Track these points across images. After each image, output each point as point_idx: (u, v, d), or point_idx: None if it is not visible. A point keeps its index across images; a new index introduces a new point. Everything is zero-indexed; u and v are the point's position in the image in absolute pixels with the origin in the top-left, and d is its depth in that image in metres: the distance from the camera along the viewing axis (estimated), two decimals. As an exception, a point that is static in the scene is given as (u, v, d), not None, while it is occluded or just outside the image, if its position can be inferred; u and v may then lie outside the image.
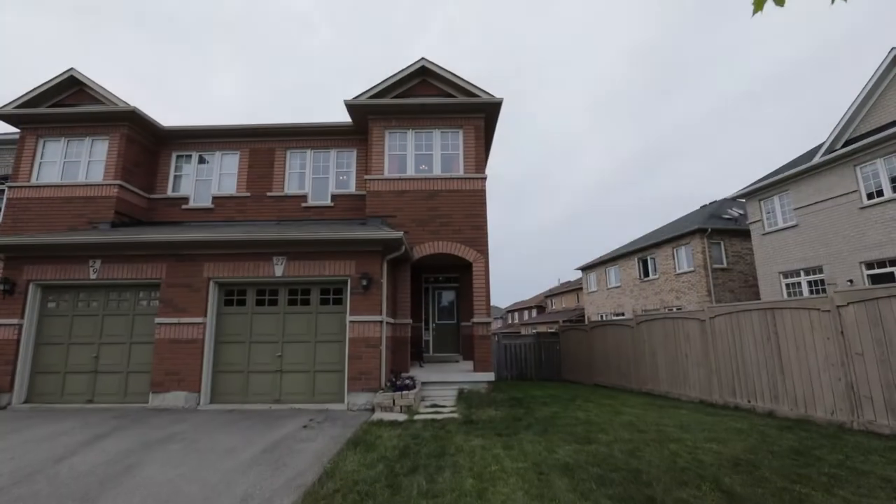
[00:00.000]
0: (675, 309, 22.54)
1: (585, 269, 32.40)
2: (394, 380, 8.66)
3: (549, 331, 18.36)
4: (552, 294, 50.98)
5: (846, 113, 13.77)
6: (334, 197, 11.99)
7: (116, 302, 9.14)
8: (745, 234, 20.49)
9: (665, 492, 3.98)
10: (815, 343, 7.33)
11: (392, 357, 9.70)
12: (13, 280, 8.91)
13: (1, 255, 9.42)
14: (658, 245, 23.95)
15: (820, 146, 15.13)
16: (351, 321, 8.51)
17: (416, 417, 7.34)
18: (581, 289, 39.59)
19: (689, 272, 21.50)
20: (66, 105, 11.76)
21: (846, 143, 13.78)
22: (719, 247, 21.05)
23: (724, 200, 25.49)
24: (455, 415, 7.47)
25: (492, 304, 10.31)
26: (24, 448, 5.72)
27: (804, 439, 5.93)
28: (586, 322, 14.23)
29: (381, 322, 8.55)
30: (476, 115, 11.20)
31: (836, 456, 5.12)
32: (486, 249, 10.53)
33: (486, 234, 10.63)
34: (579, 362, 15.14)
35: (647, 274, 25.26)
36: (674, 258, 22.78)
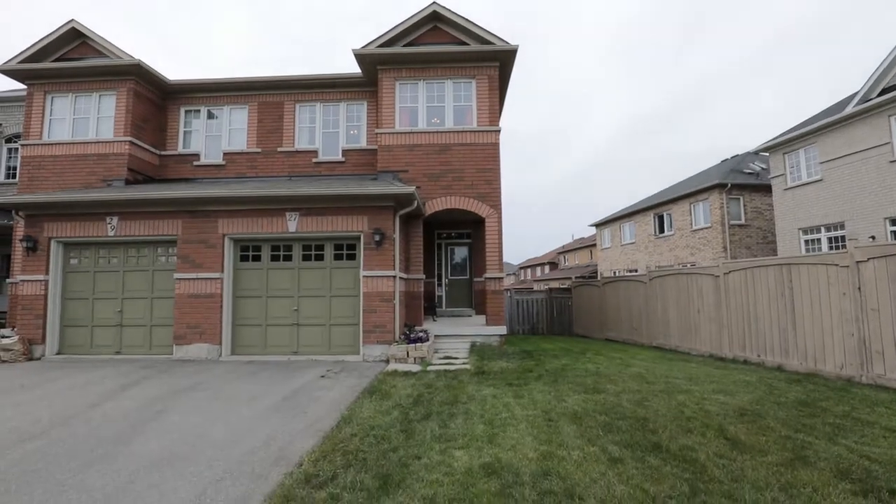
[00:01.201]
0: (688, 265, 22.38)
1: (600, 225, 32.06)
2: (408, 333, 8.87)
3: (562, 287, 18.47)
4: (565, 251, 50.87)
5: (884, 60, 12.90)
6: (345, 152, 11.85)
7: (136, 258, 9.37)
8: (765, 190, 19.92)
9: (670, 438, 4.11)
10: (830, 299, 7.25)
11: (405, 311, 9.89)
12: (35, 237, 9.14)
13: (21, 213, 9.63)
14: (675, 201, 23.45)
15: (853, 96, 14.31)
16: (364, 276, 8.63)
17: (430, 368, 7.58)
18: (594, 245, 39.39)
19: (706, 228, 21.14)
20: (71, 59, 11.57)
21: (882, 92, 13.00)
22: (738, 202, 20.54)
23: (747, 154, 24.63)
24: (467, 366, 7.69)
25: (504, 260, 10.35)
26: (60, 395, 6.07)
27: (811, 392, 6.00)
28: (598, 278, 14.23)
29: (394, 277, 8.66)
30: (490, 63, 10.74)
31: (841, 407, 5.19)
32: (500, 205, 10.41)
33: (499, 189, 10.48)
34: (591, 317, 15.30)
35: (662, 230, 24.93)
36: (691, 214, 22.35)
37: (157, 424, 4.82)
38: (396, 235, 8.88)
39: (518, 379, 6.77)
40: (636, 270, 27.04)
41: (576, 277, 25.13)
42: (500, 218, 10.37)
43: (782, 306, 8.06)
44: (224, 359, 8.66)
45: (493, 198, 10.40)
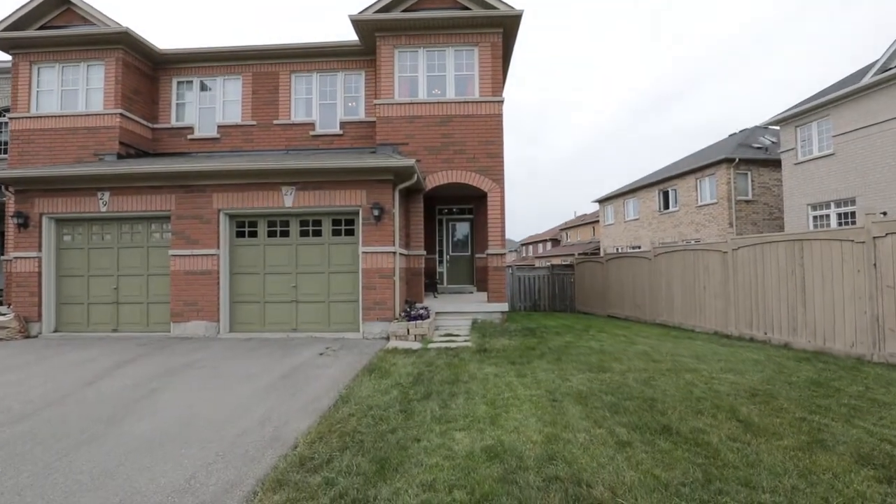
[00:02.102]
0: (693, 242, 22.13)
1: (603, 201, 31.63)
2: (408, 310, 8.73)
3: (564, 263, 18.28)
4: (567, 227, 50.50)
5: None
6: (343, 124, 11.46)
7: (129, 235, 9.15)
8: (774, 164, 19.44)
9: (680, 420, 3.95)
10: (843, 275, 7.02)
11: (406, 288, 9.73)
12: (26, 213, 8.91)
13: (11, 189, 9.38)
14: (681, 176, 22.99)
15: (870, 66, 13.74)
16: (364, 252, 8.42)
17: (430, 346, 7.44)
18: (597, 222, 39.04)
19: (712, 204, 20.76)
20: (56, 27, 11.09)
21: (902, 60, 12.46)
22: (746, 177, 20.10)
23: (755, 128, 24.00)
24: (468, 343, 7.55)
25: (506, 236, 10.11)
26: (56, 373, 5.96)
27: (822, 371, 5.84)
28: (601, 255, 14.05)
29: (393, 253, 8.44)
30: (493, 30, 10.24)
31: (856, 387, 5.03)
32: (502, 179, 10.11)
33: (502, 162, 10.15)
34: (594, 294, 15.15)
35: (667, 206, 24.54)
36: (696, 189, 21.94)
37: (150, 404, 4.69)
38: (396, 210, 8.62)
39: (521, 357, 6.63)
40: (639, 247, 26.78)
41: (578, 254, 24.90)
42: (502, 193, 10.08)
43: (792, 283, 7.85)
44: (222, 336, 8.54)
45: (495, 172, 10.08)
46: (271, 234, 8.93)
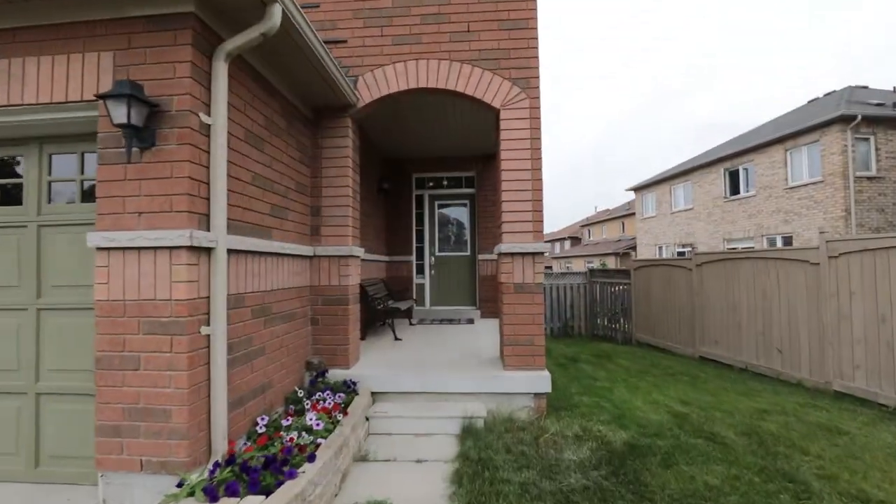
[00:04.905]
0: (779, 237, 16.18)
1: (640, 188, 25.68)
2: (265, 430, 3.03)
3: (603, 268, 12.43)
4: (589, 223, 44.35)
5: None
6: None
7: None
8: (914, 123, 13.47)
9: None
10: None
11: (311, 334, 4.09)
12: None
13: None
14: (759, 148, 17.00)
15: None
16: (99, 248, 2.62)
17: None
18: (627, 216, 33.03)
19: (813, 183, 14.76)
20: None
21: None
22: (868, 144, 14.09)
23: (855, 88, 18.00)
24: None
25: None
26: None
27: None
28: (689, 256, 8.08)
29: (205, 250, 2.65)
30: None
31: None
32: (537, 84, 4.36)
33: (535, 44, 4.40)
34: (670, 317, 9.30)
35: (735, 191, 18.54)
36: (786, 165, 15.93)
37: None
38: (218, 108, 2.75)
39: None
40: (691, 244, 20.84)
41: (622, 253, 19.10)
42: (534, 114, 4.33)
43: None
44: None
45: (520, 65, 4.35)
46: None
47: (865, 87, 18.51)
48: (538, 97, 4.27)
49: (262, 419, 3.12)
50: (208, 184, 2.67)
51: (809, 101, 20.44)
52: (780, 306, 6.73)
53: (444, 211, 8.72)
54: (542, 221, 4.28)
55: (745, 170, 18.05)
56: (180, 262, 2.47)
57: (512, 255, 4.24)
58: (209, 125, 2.68)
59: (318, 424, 2.94)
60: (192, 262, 2.52)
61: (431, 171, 8.42)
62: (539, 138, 4.26)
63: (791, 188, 15.66)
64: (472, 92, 4.32)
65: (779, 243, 16.04)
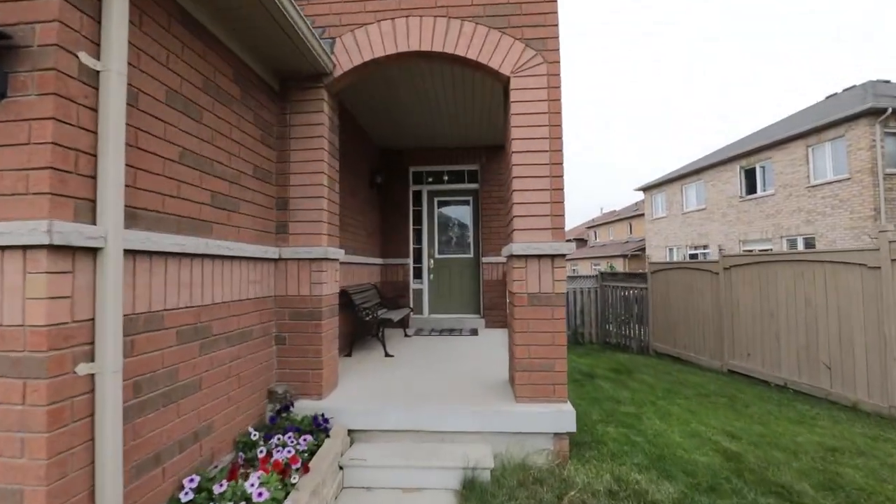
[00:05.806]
0: (800, 239, 15.26)
1: (649, 188, 24.78)
2: (191, 497, 2.22)
3: (616, 271, 11.58)
4: (595, 225, 43.40)
5: None
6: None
7: None
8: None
9: None
10: None
11: (275, 356, 3.26)
12: None
13: None
14: (779, 144, 16.10)
15: None
16: None
17: None
18: (635, 217, 32.12)
19: (839, 181, 13.85)
20: None
21: None
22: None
23: (876, 82, 17.10)
24: None
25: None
26: None
27: None
28: (716, 259, 7.19)
29: (72, 252, 1.79)
30: None
31: None
32: (556, 42, 3.53)
33: (554, 5, 3.58)
34: (692, 325, 8.43)
35: (752, 189, 17.63)
36: (808, 161, 15.02)
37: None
38: (111, 48, 2.04)
39: None
40: (705, 246, 19.96)
41: (630, 255, 18.24)
42: (555, 80, 3.50)
43: None
44: None
45: (536, 22, 3.52)
46: None
47: (888, 82, 17.61)
48: (558, 61, 3.44)
49: (192, 481, 2.29)
50: (95, 156, 1.84)
51: (828, 97, 19.58)
52: (829, 316, 5.88)
53: (445, 209, 7.89)
54: (562, 216, 3.44)
55: (763, 168, 17.16)
56: (38, 270, 1.64)
57: (526, 257, 3.40)
58: (97, 72, 1.85)
59: (260, 495, 2.10)
60: (60, 270, 1.69)
61: (431, 164, 7.60)
62: (559, 112, 3.43)
63: (813, 186, 14.75)
64: (475, 56, 3.48)
65: (800, 245, 15.12)
